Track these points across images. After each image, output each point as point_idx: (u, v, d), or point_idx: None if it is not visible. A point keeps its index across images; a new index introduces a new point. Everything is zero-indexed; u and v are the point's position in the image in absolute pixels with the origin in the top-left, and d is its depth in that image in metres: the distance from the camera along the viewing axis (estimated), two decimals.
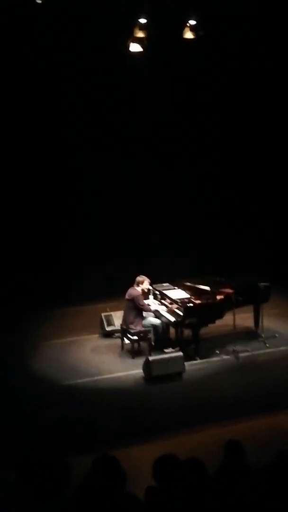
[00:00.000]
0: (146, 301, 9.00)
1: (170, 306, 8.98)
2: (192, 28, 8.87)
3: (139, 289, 8.87)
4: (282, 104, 12.46)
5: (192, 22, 8.85)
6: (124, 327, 8.92)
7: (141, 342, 8.88)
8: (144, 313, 8.91)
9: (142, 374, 8.03)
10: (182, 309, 8.59)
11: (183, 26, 8.89)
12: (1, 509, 3.61)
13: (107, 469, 3.72)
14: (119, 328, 9.25)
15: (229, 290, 8.84)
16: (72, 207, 12.18)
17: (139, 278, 8.91)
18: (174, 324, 8.81)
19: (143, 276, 8.95)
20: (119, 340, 9.20)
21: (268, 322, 9.62)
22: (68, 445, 6.19)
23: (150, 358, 8.06)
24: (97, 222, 12.31)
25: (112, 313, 9.82)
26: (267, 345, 9.06)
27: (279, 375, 8.10)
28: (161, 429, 6.73)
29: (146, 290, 9.02)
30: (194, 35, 8.92)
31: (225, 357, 8.71)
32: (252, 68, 12.00)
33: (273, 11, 9.98)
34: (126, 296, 8.90)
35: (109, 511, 3.45)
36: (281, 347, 9.07)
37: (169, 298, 9.01)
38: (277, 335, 9.50)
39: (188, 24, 8.88)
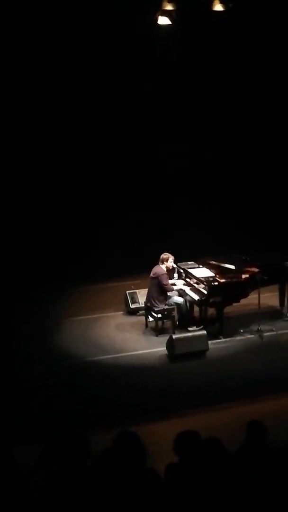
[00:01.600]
0: (171, 280, 8.96)
1: (194, 284, 8.93)
2: (221, 0, 8.62)
3: (163, 267, 8.83)
4: None
5: None
6: (148, 304, 8.91)
7: (165, 320, 8.86)
8: (169, 292, 8.88)
9: (166, 352, 8.03)
10: (206, 287, 8.54)
11: None
12: (26, 483, 3.65)
13: (128, 444, 3.73)
14: (143, 305, 9.25)
15: (255, 269, 8.75)
16: (99, 184, 12.15)
17: (163, 256, 8.87)
18: (198, 302, 8.77)
19: (168, 254, 8.90)
20: (143, 318, 9.21)
21: None
22: (91, 421, 6.24)
23: (174, 336, 8.05)
24: (124, 198, 12.27)
25: (136, 290, 9.82)
26: None
27: None
28: (184, 407, 6.74)
29: (170, 268, 8.98)
30: (223, 7, 8.67)
31: (249, 336, 8.66)
32: (283, 43, 11.69)
33: None
34: (151, 274, 8.87)
35: (128, 486, 3.46)
36: None
37: (194, 277, 8.96)
38: None
39: None
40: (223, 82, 12.22)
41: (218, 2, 8.67)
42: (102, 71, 11.45)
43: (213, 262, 9.31)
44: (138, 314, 9.60)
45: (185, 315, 9.00)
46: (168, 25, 8.76)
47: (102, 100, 11.71)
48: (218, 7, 8.71)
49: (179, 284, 9.10)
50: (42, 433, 5.42)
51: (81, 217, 12.07)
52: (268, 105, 12.50)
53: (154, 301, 8.79)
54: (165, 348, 8.06)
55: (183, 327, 8.81)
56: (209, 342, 8.09)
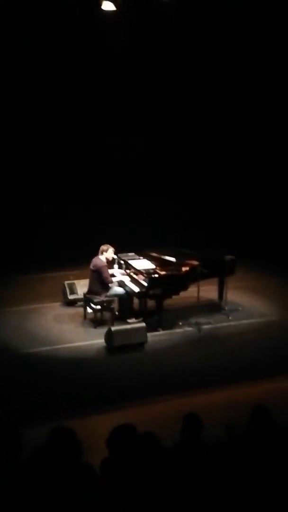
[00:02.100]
0: (110, 270, 8.86)
1: (134, 276, 8.87)
2: None
3: (103, 258, 8.71)
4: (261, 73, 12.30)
5: None
6: (88, 296, 8.78)
7: (104, 312, 8.76)
8: (109, 284, 8.77)
9: (104, 344, 7.93)
10: (146, 279, 8.49)
11: None
12: None
13: (63, 439, 3.64)
14: (82, 296, 9.11)
15: (195, 262, 8.78)
16: (39, 174, 11.90)
17: (103, 247, 8.75)
18: (138, 294, 8.72)
19: (107, 245, 8.79)
20: (81, 309, 9.07)
21: (232, 295, 9.65)
22: (26, 414, 6.08)
23: (113, 328, 7.97)
24: (65, 188, 12.07)
25: (75, 281, 9.67)
26: (230, 318, 9.08)
27: (241, 348, 8.12)
28: (121, 399, 6.67)
29: (110, 259, 8.88)
30: None
31: (187, 328, 8.69)
32: (228, 33, 11.78)
33: None
34: (91, 266, 8.73)
35: (64, 481, 3.37)
36: (243, 320, 9.10)
37: (134, 268, 8.89)
38: (240, 308, 9.53)
39: None
40: (167, 70, 12.16)
41: None
42: (44, 59, 11.16)
43: (154, 254, 9.29)
44: (76, 305, 9.46)
45: (124, 307, 8.93)
46: (113, 11, 8.61)
47: (44, 91, 11.42)
48: None
49: (119, 275, 9.02)
50: None
51: (22, 206, 11.79)
52: (218, 97, 12.58)
53: (95, 293, 8.67)
54: (103, 340, 7.96)
55: (122, 319, 8.74)
56: (148, 334, 8.05)
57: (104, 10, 8.54)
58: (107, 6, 8.44)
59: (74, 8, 10.27)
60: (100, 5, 8.43)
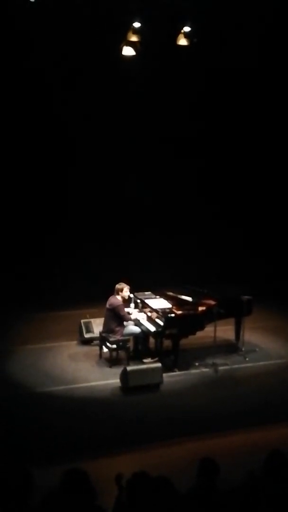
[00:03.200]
0: (126, 309, 8.83)
1: (150, 315, 8.82)
2: (186, 35, 8.80)
3: (119, 297, 8.69)
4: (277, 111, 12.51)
5: (187, 29, 8.78)
6: (104, 335, 8.74)
7: (119, 351, 8.69)
8: (125, 322, 8.74)
9: (119, 384, 7.85)
10: (162, 319, 8.44)
11: (177, 32, 8.84)
12: None
13: (76, 483, 3.57)
14: (98, 335, 9.07)
15: (212, 302, 8.72)
16: (57, 213, 12.05)
17: (118, 286, 8.72)
18: (154, 334, 8.65)
19: (122, 284, 8.76)
20: (97, 348, 9.02)
21: (249, 336, 9.53)
22: (38, 455, 5.99)
23: (128, 368, 7.89)
24: (82, 227, 12.19)
25: (91, 320, 9.64)
26: (247, 359, 8.95)
27: (257, 390, 7.96)
28: (135, 442, 6.56)
29: (126, 298, 8.85)
30: (188, 42, 8.85)
31: (204, 369, 8.57)
32: (245, 78, 12.01)
33: (268, 21, 9.90)
34: (107, 305, 8.71)
35: None
36: (260, 361, 8.96)
37: (150, 307, 8.85)
38: (257, 349, 9.40)
39: (182, 31, 8.81)
40: (184, 113, 12.37)
41: (183, 36, 8.83)
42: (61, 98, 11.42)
43: (170, 293, 9.25)
44: (92, 344, 9.41)
45: (140, 346, 8.86)
46: (132, 56, 8.86)
47: (59, 129, 11.68)
48: (182, 41, 8.87)
49: (135, 314, 8.98)
50: None
51: (40, 244, 11.90)
52: (228, 136, 12.75)
53: (111, 332, 8.63)
54: (118, 380, 7.88)
55: (138, 359, 8.66)
56: (164, 374, 7.95)
57: (124, 55, 8.80)
58: (127, 51, 8.69)
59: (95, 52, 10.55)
60: (121, 50, 8.67)
